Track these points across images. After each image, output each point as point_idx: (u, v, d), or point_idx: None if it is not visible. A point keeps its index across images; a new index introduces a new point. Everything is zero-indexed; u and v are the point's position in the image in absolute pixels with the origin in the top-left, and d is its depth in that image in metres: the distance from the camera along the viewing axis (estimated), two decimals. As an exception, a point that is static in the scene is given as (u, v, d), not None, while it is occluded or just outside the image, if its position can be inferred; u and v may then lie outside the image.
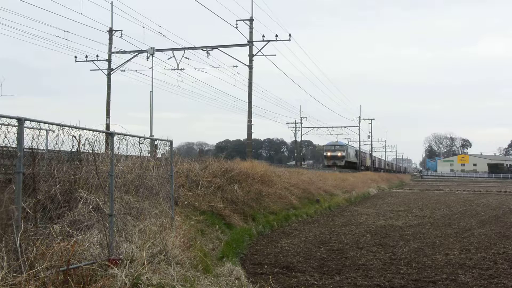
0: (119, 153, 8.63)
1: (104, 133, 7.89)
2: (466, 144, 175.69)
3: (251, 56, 29.21)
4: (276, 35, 28.87)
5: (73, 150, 7.52)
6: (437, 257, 11.48)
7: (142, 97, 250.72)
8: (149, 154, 10.28)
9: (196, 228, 11.08)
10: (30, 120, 5.90)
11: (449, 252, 12.19)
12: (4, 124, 5.64)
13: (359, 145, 77.47)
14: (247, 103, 29.70)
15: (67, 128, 6.73)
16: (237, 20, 28.82)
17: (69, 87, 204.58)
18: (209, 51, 29.77)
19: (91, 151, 7.77)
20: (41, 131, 6.67)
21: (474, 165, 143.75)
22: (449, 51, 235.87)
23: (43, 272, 5.42)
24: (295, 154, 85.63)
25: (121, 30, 31.43)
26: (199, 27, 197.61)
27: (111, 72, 32.63)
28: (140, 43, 49.68)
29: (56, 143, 6.97)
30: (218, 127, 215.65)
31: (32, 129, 6.49)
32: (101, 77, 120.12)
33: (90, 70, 33.38)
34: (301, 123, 70.62)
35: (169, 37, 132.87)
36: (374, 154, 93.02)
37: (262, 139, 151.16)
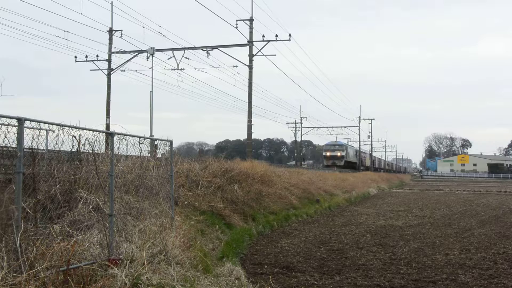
0: (119, 153, 8.63)
1: (104, 133, 7.89)
2: (466, 144, 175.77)
3: (251, 56, 29.21)
4: (276, 35, 28.91)
5: (73, 150, 7.52)
6: (437, 257, 11.48)
7: (142, 97, 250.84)
8: (149, 154, 10.28)
9: (196, 228, 11.08)
10: (30, 120, 5.90)
11: (449, 252, 12.19)
12: (4, 124, 5.64)
13: (359, 145, 77.51)
14: (247, 103, 29.71)
15: (67, 128, 6.73)
16: (237, 20, 28.84)
17: (69, 87, 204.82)
18: (209, 51, 29.78)
19: (91, 151, 7.77)
20: (41, 131, 6.67)
21: (474, 165, 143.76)
22: (449, 51, 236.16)
23: (43, 272, 5.42)
24: (295, 154, 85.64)
25: (121, 30, 31.47)
26: (199, 27, 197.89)
27: (111, 72, 32.64)
28: (140, 43, 49.71)
29: (56, 143, 6.97)
30: (218, 127, 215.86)
31: (32, 129, 6.49)
32: (101, 77, 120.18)
33: (90, 70, 33.44)
34: (301, 123, 70.69)
35: (169, 37, 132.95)
36: (374, 154, 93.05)
37: (262, 139, 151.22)
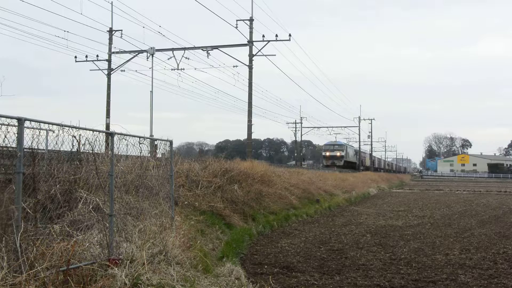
0: (119, 153, 8.63)
1: (104, 133, 7.89)
2: (466, 144, 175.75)
3: (251, 56, 29.21)
4: (276, 35, 28.91)
5: (73, 150, 7.52)
6: (437, 257, 11.48)
7: (142, 97, 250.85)
8: (149, 154, 10.28)
9: (196, 228, 11.08)
10: (30, 120, 5.90)
11: (449, 252, 12.19)
12: (4, 124, 5.64)
13: (359, 145, 77.49)
14: (247, 103, 29.70)
15: (67, 128, 6.73)
16: (237, 20, 28.84)
17: (69, 87, 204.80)
18: (209, 51, 29.78)
19: (91, 151, 7.77)
20: (41, 131, 6.67)
21: (474, 165, 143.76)
22: (449, 51, 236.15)
23: (43, 272, 5.42)
24: (295, 154, 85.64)
25: (121, 30, 31.46)
26: (199, 27, 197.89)
27: (111, 72, 32.63)
28: (140, 43, 49.70)
29: (56, 143, 6.97)
30: (218, 127, 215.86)
31: (32, 129, 6.49)
32: (101, 77, 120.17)
33: (90, 70, 33.43)
34: (301, 123, 70.69)
35: (169, 37, 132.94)
36: (374, 154, 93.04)
37: (262, 139, 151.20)
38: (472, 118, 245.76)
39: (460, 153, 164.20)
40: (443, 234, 15.31)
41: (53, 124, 6.47)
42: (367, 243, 13.61)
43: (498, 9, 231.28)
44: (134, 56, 31.69)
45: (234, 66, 31.28)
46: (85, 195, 7.80)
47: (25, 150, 5.90)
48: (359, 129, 75.25)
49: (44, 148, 7.26)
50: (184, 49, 30.42)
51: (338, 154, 67.33)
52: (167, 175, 10.13)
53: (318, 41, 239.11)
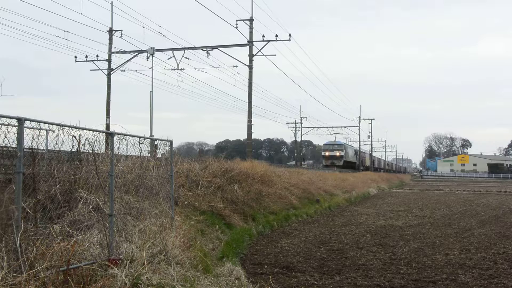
0: (119, 153, 8.63)
1: (104, 133, 7.89)
2: (466, 144, 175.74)
3: (251, 56, 29.21)
4: (276, 35, 28.90)
5: (73, 150, 7.52)
6: (437, 257, 11.48)
7: (142, 97, 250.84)
8: (149, 154, 10.28)
9: (196, 228, 11.08)
10: (30, 120, 5.90)
11: (449, 252, 12.19)
12: (4, 124, 5.64)
13: (359, 145, 77.50)
14: (247, 103, 29.70)
15: (67, 128, 6.73)
16: (237, 20, 28.84)
17: (69, 87, 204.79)
18: (209, 51, 29.78)
19: (91, 151, 7.77)
20: (41, 131, 6.67)
21: (474, 165, 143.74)
22: (449, 51, 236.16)
23: (43, 272, 5.42)
24: (295, 154, 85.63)
25: (121, 30, 31.46)
26: (199, 27, 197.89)
27: (111, 72, 32.63)
28: (140, 43, 49.71)
29: (56, 143, 6.97)
30: (218, 127, 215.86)
31: (32, 129, 6.49)
32: (101, 77, 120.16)
33: (90, 70, 33.44)
34: (301, 123, 70.67)
35: (169, 37, 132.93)
36: (374, 154, 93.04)
37: (262, 139, 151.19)
38: (472, 118, 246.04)
39: (460, 153, 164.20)
40: (443, 234, 15.31)
41: (53, 124, 6.47)
42: (367, 243, 13.61)
43: (498, 9, 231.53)
44: (134, 56, 31.71)
45: (234, 66, 31.32)
46: (85, 195, 7.80)
47: (25, 150, 5.90)
48: (359, 129, 75.35)
49: (44, 148, 7.26)
50: (184, 49, 30.43)
51: (337, 154, 67.24)
52: (167, 175, 10.13)
53: (318, 41, 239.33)
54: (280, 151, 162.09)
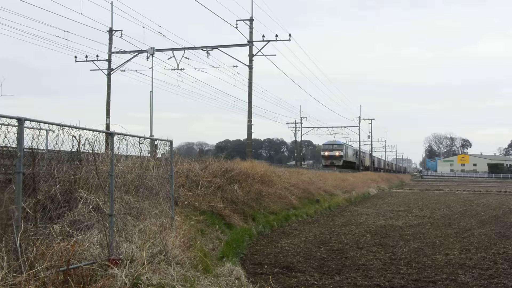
0: (119, 153, 8.63)
1: (104, 133, 7.89)
2: (466, 144, 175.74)
3: (251, 56, 29.21)
4: (276, 35, 28.90)
5: (73, 150, 7.52)
6: (437, 257, 11.48)
7: (142, 97, 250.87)
8: (149, 154, 10.28)
9: (196, 228, 11.08)
10: (30, 120, 5.90)
11: (449, 252, 12.19)
12: (4, 124, 5.64)
13: (359, 145, 77.49)
14: (247, 103, 29.70)
15: (67, 128, 6.73)
16: (237, 20, 28.84)
17: (69, 87, 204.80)
18: (209, 51, 29.77)
19: (91, 151, 7.77)
20: (41, 131, 6.67)
21: (474, 165, 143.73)
22: (449, 51, 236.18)
23: (43, 272, 5.42)
24: (295, 154, 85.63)
25: (121, 30, 31.45)
26: (199, 27, 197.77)
27: (111, 72, 32.63)
28: (140, 43, 49.71)
29: (56, 143, 6.97)
30: (218, 127, 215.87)
31: (32, 129, 6.49)
32: (101, 77, 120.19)
33: (90, 70, 33.43)
34: (301, 123, 70.65)
35: (169, 37, 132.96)
36: (374, 154, 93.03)
37: (262, 139, 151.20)
38: (472, 118, 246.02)
39: (460, 153, 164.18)
40: (443, 234, 15.31)
41: (53, 124, 6.47)
42: (367, 243, 13.61)
43: (498, 9, 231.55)
44: (134, 56, 31.71)
45: (234, 66, 31.31)
46: (85, 195, 7.80)
47: (25, 150, 5.90)
48: (359, 129, 75.33)
49: (44, 148, 7.26)
50: (184, 49, 30.42)
51: (337, 153, 67.08)
52: (167, 175, 10.13)
53: (318, 41, 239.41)
54: (280, 151, 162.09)
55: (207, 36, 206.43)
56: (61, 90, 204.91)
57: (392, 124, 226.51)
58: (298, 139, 74.53)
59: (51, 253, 5.75)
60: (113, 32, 31.69)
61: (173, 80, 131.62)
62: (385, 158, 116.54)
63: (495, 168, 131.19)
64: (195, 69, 32.92)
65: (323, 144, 72.32)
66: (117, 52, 32.07)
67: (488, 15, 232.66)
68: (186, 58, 30.59)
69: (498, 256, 11.72)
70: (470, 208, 25.73)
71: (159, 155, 10.78)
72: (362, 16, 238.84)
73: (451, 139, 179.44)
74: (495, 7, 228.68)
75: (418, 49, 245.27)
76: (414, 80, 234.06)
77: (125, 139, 8.44)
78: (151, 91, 27.88)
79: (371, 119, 78.40)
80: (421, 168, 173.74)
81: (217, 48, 29.74)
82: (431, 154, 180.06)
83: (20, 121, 5.61)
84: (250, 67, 29.28)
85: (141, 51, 30.81)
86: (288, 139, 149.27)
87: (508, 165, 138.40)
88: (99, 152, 8.02)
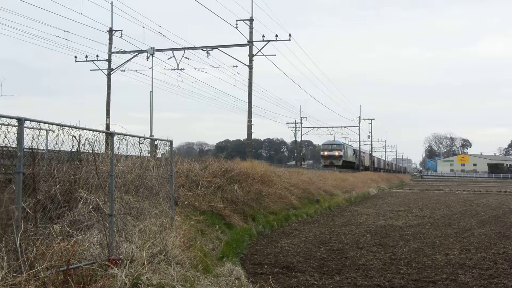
0: (119, 153, 8.63)
1: (104, 133, 7.89)
2: (466, 144, 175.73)
3: (251, 56, 29.21)
4: (276, 35, 28.90)
5: (73, 150, 7.52)
6: (437, 257, 11.48)
7: (142, 97, 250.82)
8: (149, 154, 10.28)
9: (196, 228, 11.08)
10: (30, 120, 5.90)
11: (449, 252, 12.19)
12: (4, 124, 5.63)
13: (359, 145, 77.50)
14: (247, 103, 29.70)
15: (67, 128, 6.73)
16: (237, 20, 28.84)
17: (69, 87, 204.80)
18: (209, 51, 29.77)
19: (91, 151, 7.77)
20: (41, 131, 6.67)
21: (474, 165, 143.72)
22: (449, 51, 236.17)
23: (43, 272, 5.42)
24: (295, 154, 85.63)
25: (121, 30, 31.45)
26: (199, 27, 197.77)
27: (111, 72, 32.63)
28: (140, 43, 49.71)
29: (56, 143, 6.97)
30: (218, 127, 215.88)
31: (32, 129, 6.49)
32: (101, 77, 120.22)
33: (90, 70, 33.43)
34: (301, 123, 70.66)
35: (169, 37, 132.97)
36: (374, 154, 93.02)
37: (262, 139, 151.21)
38: (472, 118, 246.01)
39: (460, 153, 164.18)
40: (443, 234, 15.31)
41: (53, 124, 6.47)
42: (367, 243, 13.61)
43: (498, 9, 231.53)
44: (134, 56, 31.71)
45: (234, 66, 31.31)
46: (85, 195, 7.80)
47: (25, 150, 5.90)
48: (359, 129, 75.34)
49: (44, 148, 7.26)
50: (184, 49, 30.42)
51: (336, 153, 66.97)
52: (167, 175, 10.13)
53: (318, 41, 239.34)
54: (280, 151, 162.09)
55: (207, 36, 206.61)
56: (61, 90, 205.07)
57: (392, 124, 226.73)
58: (298, 139, 74.60)
59: (51, 253, 5.75)
60: (113, 32, 31.69)
61: (173, 80, 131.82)
62: (385, 158, 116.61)
63: (495, 168, 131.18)
64: (195, 69, 32.97)
65: (322, 144, 72.26)
66: (117, 52, 32.10)
67: (488, 15, 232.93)
68: (186, 58, 30.63)
69: (498, 256, 11.72)
70: (470, 208, 25.73)
71: (159, 155, 10.78)
72: (362, 16, 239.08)
73: (451, 139, 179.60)
74: (495, 7, 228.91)
75: (418, 49, 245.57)
76: (414, 80, 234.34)
77: (125, 139, 8.44)
78: (151, 91, 27.90)
79: (371, 119, 78.50)
80: (421, 168, 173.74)
81: (217, 48, 29.74)
82: (431, 154, 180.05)
83: (20, 121, 5.61)
84: (250, 67, 29.28)
85: (141, 51, 30.81)
86: (288, 139, 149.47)
87: (508, 165, 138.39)
88: (99, 152, 8.02)
